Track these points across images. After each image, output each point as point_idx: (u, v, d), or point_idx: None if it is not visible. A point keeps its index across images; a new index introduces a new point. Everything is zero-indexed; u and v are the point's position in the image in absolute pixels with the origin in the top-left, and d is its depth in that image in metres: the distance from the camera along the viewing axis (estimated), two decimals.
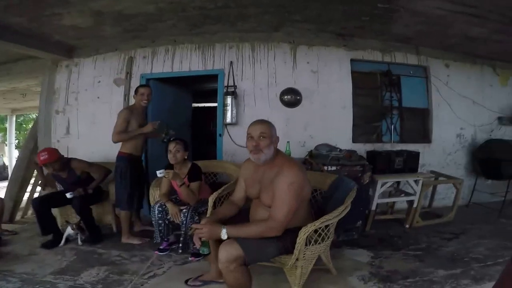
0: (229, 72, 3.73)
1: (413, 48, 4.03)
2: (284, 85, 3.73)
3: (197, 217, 2.42)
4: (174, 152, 2.49)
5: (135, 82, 3.83)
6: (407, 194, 3.39)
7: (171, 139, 2.68)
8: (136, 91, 2.98)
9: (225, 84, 3.73)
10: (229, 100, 3.60)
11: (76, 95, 4.01)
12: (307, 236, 1.63)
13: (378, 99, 4.09)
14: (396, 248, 2.76)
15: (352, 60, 3.88)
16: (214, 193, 2.37)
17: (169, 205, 2.46)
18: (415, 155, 3.41)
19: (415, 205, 3.24)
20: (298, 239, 1.63)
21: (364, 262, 2.47)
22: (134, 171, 2.88)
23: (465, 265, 2.39)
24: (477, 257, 2.53)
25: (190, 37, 3.77)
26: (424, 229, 3.22)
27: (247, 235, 1.56)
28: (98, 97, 3.94)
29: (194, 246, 2.42)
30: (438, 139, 4.14)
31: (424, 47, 4.04)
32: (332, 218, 1.72)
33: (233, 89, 3.67)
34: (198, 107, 6.83)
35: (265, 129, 1.66)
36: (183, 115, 4.88)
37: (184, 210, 2.41)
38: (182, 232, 2.41)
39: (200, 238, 1.60)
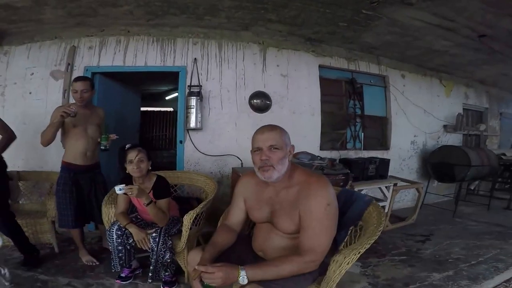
0: (192, 71, 3.33)
1: (374, 57, 4.17)
2: (253, 88, 3.47)
3: (170, 242, 1.97)
4: (137, 162, 1.96)
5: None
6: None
7: (124, 146, 2.08)
8: (71, 86, 2.39)
9: (188, 83, 3.31)
10: (193, 101, 3.18)
11: (3, 89, 3.14)
12: None
13: (343, 106, 4.12)
14: (379, 254, 2.70)
15: (319, 66, 3.82)
16: (191, 212, 1.99)
17: (133, 230, 1.94)
18: (386, 162, 3.48)
19: (386, 210, 3.27)
20: (337, 269, 1.29)
21: (356, 272, 2.34)
22: (69, 184, 2.31)
23: (454, 266, 2.46)
24: (459, 257, 2.64)
25: (146, 29, 3.27)
26: (394, 233, 3.27)
27: (278, 276, 1.20)
28: (30, 93, 3.14)
29: (167, 274, 2.02)
30: (396, 146, 4.34)
31: (383, 58, 4.22)
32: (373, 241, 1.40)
33: (198, 89, 3.27)
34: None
35: (276, 139, 1.32)
36: (131, 119, 4.28)
37: (154, 235, 1.93)
38: (153, 260, 1.92)
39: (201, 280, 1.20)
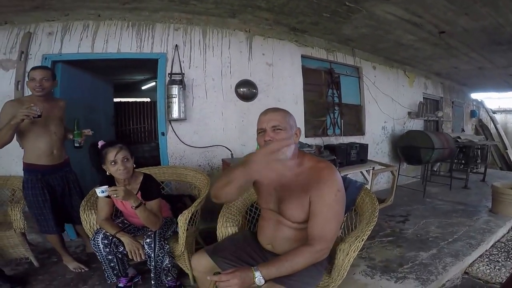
0: (173, 58, 2.94)
1: (350, 49, 4.11)
2: (239, 76, 3.17)
3: (167, 246, 1.67)
4: (122, 161, 1.60)
5: (33, 65, 2.51)
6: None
7: (95, 143, 1.71)
8: (28, 76, 1.98)
9: (169, 71, 2.91)
10: (176, 90, 2.80)
11: None
12: None
13: (323, 95, 4.03)
14: (369, 236, 2.56)
15: (302, 56, 3.65)
16: (186, 212, 1.70)
17: (126, 240, 1.62)
18: (365, 147, 3.46)
19: None
20: (345, 257, 1.22)
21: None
22: (39, 187, 1.95)
23: (435, 244, 2.50)
24: (437, 235, 2.69)
25: (121, 13, 2.77)
26: None
27: (292, 271, 1.10)
28: None
29: (169, 278, 1.74)
30: (370, 131, 4.40)
31: (358, 50, 4.19)
32: (372, 227, 1.34)
33: (180, 77, 2.89)
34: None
35: (279, 119, 1.18)
36: (103, 111, 3.78)
37: (148, 240, 1.62)
38: (152, 267, 1.63)
39: None
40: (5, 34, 2.60)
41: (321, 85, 3.99)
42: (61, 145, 2.04)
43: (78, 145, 1.99)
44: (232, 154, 3.06)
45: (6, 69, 2.57)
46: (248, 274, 1.03)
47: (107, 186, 1.53)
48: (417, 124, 5.25)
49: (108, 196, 1.58)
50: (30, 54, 2.63)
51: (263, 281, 1.04)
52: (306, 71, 3.72)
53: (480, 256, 2.43)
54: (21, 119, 1.69)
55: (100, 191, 1.51)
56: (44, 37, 2.67)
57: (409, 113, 5.02)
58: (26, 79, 2.53)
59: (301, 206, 1.19)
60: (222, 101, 3.11)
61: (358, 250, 1.23)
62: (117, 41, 2.82)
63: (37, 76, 1.88)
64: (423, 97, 5.39)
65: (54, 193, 2.01)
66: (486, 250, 2.54)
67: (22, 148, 1.99)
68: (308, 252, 1.11)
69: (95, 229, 1.74)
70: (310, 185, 1.17)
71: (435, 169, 5.21)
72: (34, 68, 1.97)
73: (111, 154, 1.59)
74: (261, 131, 1.21)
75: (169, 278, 1.75)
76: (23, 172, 1.98)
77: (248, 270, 1.04)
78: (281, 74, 3.44)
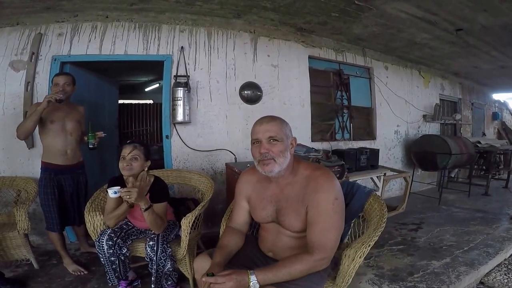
0: (179, 60, 3.05)
1: (360, 49, 4.14)
2: (243, 79, 3.26)
3: (170, 249, 1.74)
4: (130, 159, 1.69)
5: (43, 66, 2.76)
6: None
7: (120, 143, 1.91)
8: (52, 81, 2.24)
9: (174, 73, 3.02)
10: (181, 92, 2.90)
11: None
12: None
13: (331, 97, 4.05)
14: (378, 245, 2.66)
15: (309, 57, 3.70)
16: (189, 215, 1.77)
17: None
18: (376, 152, 3.46)
19: None
20: (350, 263, 1.24)
21: (360, 264, 2.32)
22: (51, 186, 2.15)
23: (449, 253, 2.48)
24: (451, 244, 2.67)
25: (128, 14, 2.91)
26: (387, 222, 3.14)
27: (289, 277, 1.10)
28: None
29: (169, 283, 1.80)
30: (381, 135, 4.38)
31: (368, 49, 4.20)
32: (380, 233, 1.35)
33: (185, 80, 2.99)
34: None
35: (275, 130, 1.19)
36: (107, 113, 3.92)
37: (151, 243, 1.69)
38: (153, 271, 1.70)
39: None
40: (16, 35, 2.76)
41: (329, 87, 4.02)
42: (76, 146, 2.25)
43: (92, 146, 2.21)
44: (236, 158, 3.12)
45: (17, 70, 2.73)
46: (243, 277, 1.05)
47: (120, 187, 1.61)
48: (433, 128, 5.19)
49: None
50: (41, 55, 2.78)
51: (257, 286, 1.05)
52: (313, 73, 3.77)
53: (498, 265, 2.40)
54: (47, 101, 1.96)
55: (113, 192, 1.59)
56: (54, 38, 2.82)
57: (424, 116, 4.97)
58: (37, 81, 2.76)
59: (299, 216, 1.21)
60: (227, 104, 3.20)
61: (364, 256, 1.24)
62: (124, 42, 2.95)
63: (60, 82, 2.13)
64: (440, 99, 5.33)
65: (64, 193, 2.20)
66: (505, 259, 2.51)
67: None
68: (307, 261, 1.12)
69: (99, 230, 1.82)
70: (306, 194, 1.20)
71: (453, 176, 5.13)
72: (57, 75, 2.24)
73: (125, 150, 1.70)
74: (256, 142, 1.22)
75: (169, 283, 1.82)
76: (40, 170, 2.19)
77: (243, 274, 1.05)
78: (287, 76, 3.50)
